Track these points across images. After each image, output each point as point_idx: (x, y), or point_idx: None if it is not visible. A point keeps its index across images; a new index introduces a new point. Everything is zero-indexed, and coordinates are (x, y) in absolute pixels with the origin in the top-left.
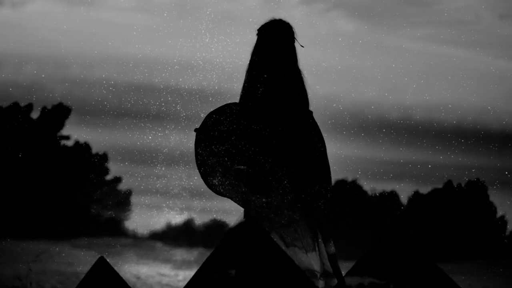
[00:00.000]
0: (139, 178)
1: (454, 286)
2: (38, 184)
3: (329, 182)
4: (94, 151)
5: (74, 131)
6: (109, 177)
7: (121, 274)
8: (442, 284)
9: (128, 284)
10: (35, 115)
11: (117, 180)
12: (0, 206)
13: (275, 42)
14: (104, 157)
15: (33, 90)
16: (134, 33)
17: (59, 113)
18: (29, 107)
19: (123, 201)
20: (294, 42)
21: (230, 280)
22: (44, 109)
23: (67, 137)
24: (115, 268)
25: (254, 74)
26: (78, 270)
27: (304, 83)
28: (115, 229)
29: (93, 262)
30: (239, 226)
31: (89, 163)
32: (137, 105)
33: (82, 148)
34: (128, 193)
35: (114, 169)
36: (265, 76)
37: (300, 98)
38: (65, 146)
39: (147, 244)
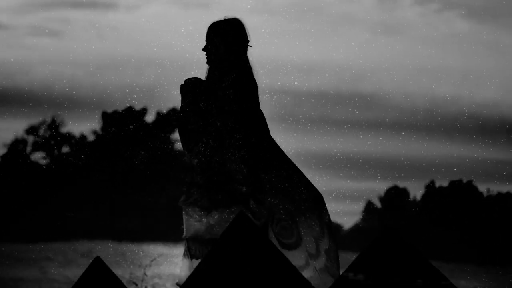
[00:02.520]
0: None
1: (447, 283)
2: (155, 187)
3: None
4: None
5: None
6: None
7: None
8: (435, 280)
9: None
10: (150, 118)
11: None
12: (116, 211)
13: (221, 41)
14: None
15: (151, 94)
16: (251, 35)
17: (174, 116)
18: (144, 110)
19: None
20: (243, 41)
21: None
22: (159, 113)
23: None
24: None
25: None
26: None
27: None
28: None
29: None
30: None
31: None
32: None
33: None
34: None
35: None
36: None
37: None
38: (179, 151)
39: None
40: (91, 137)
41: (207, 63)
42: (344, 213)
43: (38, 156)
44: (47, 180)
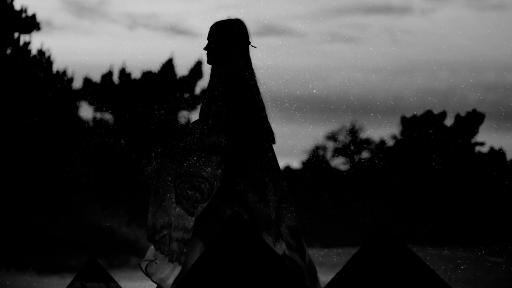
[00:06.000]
0: None
1: (441, 283)
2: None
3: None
4: (509, 157)
5: (488, 137)
6: None
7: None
8: (429, 280)
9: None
10: (449, 122)
11: None
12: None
13: (222, 40)
14: None
15: (446, 97)
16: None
17: (473, 119)
18: (443, 114)
19: None
20: (245, 42)
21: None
22: (458, 116)
23: (481, 144)
24: None
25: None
26: None
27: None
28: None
29: None
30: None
31: (504, 169)
32: None
33: (497, 154)
34: None
35: None
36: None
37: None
38: (479, 153)
39: None
40: (390, 142)
41: (208, 62)
42: None
43: (338, 162)
44: (347, 185)
